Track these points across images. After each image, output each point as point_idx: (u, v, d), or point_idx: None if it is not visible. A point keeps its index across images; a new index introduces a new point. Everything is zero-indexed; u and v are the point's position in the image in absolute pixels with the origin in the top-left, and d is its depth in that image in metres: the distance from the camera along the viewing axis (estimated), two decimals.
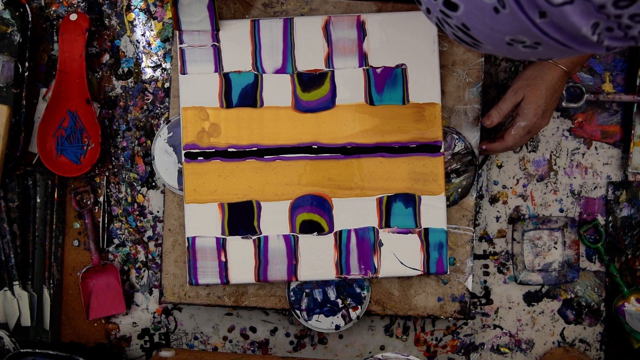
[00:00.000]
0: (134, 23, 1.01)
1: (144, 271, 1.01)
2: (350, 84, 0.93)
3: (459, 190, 0.96)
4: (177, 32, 0.93)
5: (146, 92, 1.01)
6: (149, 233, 1.01)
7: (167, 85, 1.00)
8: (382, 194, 0.93)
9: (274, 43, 0.93)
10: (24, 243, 1.00)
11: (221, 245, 0.93)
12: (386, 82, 0.93)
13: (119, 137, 1.01)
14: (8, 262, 0.99)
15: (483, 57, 0.95)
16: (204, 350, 1.02)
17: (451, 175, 0.96)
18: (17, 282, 0.99)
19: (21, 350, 0.91)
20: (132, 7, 1.01)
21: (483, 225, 1.01)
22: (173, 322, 1.02)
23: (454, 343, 1.02)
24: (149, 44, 1.01)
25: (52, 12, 1.01)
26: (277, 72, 0.93)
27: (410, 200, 0.93)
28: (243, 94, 0.93)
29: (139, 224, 1.01)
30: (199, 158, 0.93)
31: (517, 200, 1.00)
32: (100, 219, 1.01)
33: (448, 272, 0.94)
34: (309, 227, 0.93)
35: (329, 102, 0.93)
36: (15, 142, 0.97)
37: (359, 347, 1.02)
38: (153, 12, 1.00)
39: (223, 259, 0.93)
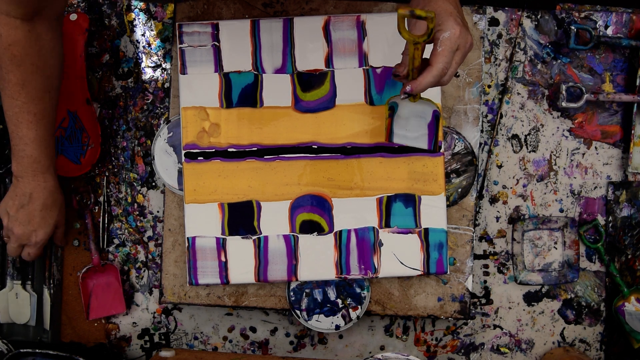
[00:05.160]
0: (134, 23, 1.01)
1: (144, 271, 1.01)
2: (350, 84, 0.93)
3: (459, 190, 0.96)
4: (177, 31, 0.93)
5: (146, 92, 1.01)
6: (149, 233, 1.01)
7: (167, 85, 1.00)
8: (382, 194, 0.93)
9: (274, 43, 0.93)
10: None
11: (221, 245, 0.93)
12: (386, 82, 0.93)
13: (119, 137, 1.01)
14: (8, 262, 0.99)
15: (483, 57, 0.95)
16: (204, 350, 1.02)
17: (451, 175, 0.96)
18: (17, 282, 0.99)
19: (21, 350, 0.91)
20: (132, 7, 1.01)
21: (483, 225, 1.01)
22: (173, 322, 1.02)
23: (454, 343, 1.02)
24: (149, 44, 1.01)
25: None
26: (277, 72, 0.93)
27: (410, 200, 0.93)
28: (243, 94, 0.93)
29: (139, 224, 1.01)
30: (199, 158, 0.93)
31: (517, 200, 1.00)
32: (100, 219, 1.01)
33: (448, 272, 0.94)
34: (309, 227, 0.93)
35: (329, 102, 0.93)
36: None
37: (359, 347, 1.02)
38: (153, 12, 1.00)
39: (223, 259, 0.93)
